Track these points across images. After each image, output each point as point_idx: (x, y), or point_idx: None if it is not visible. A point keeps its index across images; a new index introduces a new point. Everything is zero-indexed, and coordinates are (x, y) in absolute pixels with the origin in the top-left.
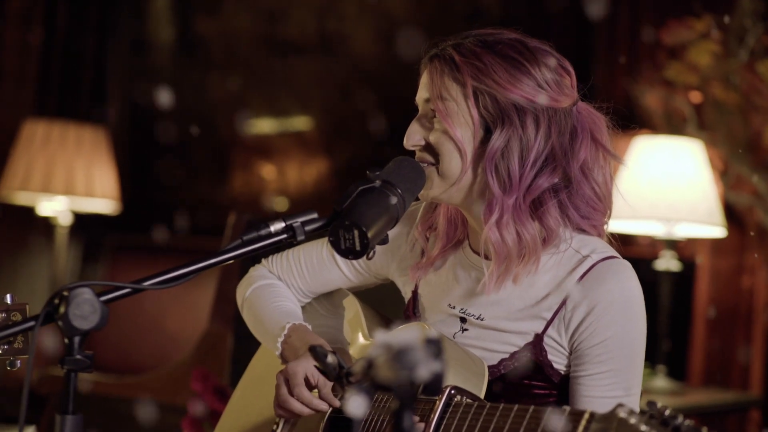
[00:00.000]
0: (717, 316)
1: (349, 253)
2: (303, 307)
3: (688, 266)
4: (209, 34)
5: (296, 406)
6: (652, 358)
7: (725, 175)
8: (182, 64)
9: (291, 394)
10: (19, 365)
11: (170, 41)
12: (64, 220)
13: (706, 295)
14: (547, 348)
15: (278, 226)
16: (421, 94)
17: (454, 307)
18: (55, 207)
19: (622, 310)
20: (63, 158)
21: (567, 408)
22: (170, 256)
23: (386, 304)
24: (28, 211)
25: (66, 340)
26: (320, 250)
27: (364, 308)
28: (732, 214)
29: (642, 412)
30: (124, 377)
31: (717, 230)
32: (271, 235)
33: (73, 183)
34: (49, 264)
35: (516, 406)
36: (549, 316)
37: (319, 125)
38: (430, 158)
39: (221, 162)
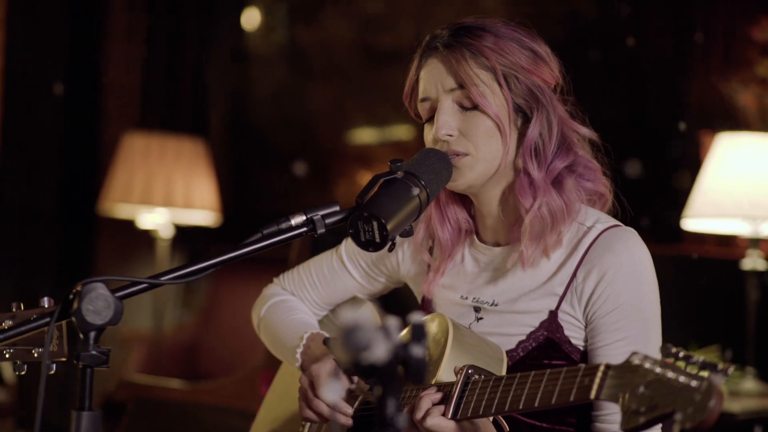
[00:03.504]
0: None
1: (369, 245)
2: (320, 321)
3: None
4: (308, 43)
5: (322, 407)
6: (741, 360)
7: None
8: (282, 74)
9: (316, 395)
10: (55, 368)
11: (270, 52)
12: (165, 232)
13: None
14: (562, 324)
15: (299, 219)
16: (444, 84)
17: (466, 298)
18: (156, 219)
19: (632, 275)
20: (162, 170)
21: (582, 365)
22: (275, 267)
23: (403, 308)
24: (129, 224)
25: (81, 336)
26: (330, 259)
27: (381, 314)
28: None
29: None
30: (198, 383)
31: None
32: (291, 228)
33: (172, 195)
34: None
35: (532, 373)
36: (561, 291)
37: (419, 134)
38: (463, 148)
39: (323, 172)
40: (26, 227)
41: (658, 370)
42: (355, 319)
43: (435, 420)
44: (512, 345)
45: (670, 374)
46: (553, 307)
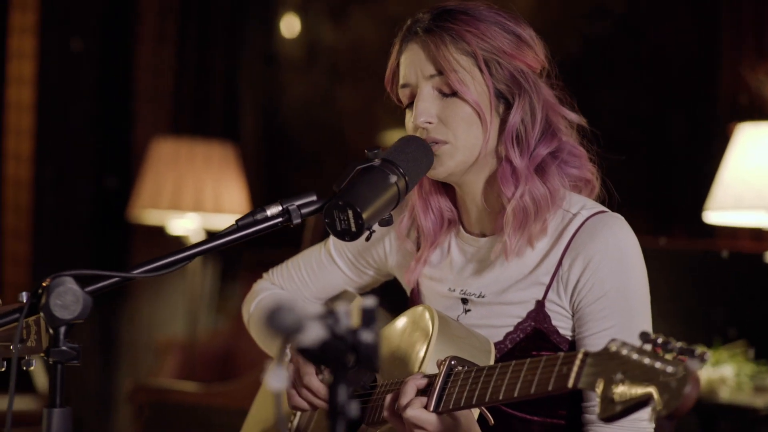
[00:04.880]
0: None
1: (345, 234)
2: None
3: None
4: (337, 46)
5: (307, 395)
6: (766, 355)
7: None
8: (312, 77)
9: (303, 384)
10: (34, 365)
11: (299, 56)
12: (197, 238)
13: None
14: (550, 314)
15: (274, 209)
16: (423, 70)
17: (453, 290)
18: (186, 225)
19: (618, 262)
20: (191, 175)
21: (561, 354)
22: None
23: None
24: (160, 230)
25: (51, 331)
26: (318, 252)
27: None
28: None
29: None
30: (212, 386)
31: None
32: (267, 219)
33: (201, 200)
34: (185, 283)
35: (513, 363)
36: (547, 280)
37: None
38: (442, 136)
39: None
40: (59, 234)
41: (635, 356)
42: (279, 302)
43: (415, 412)
44: (500, 337)
45: (647, 361)
46: (539, 296)
